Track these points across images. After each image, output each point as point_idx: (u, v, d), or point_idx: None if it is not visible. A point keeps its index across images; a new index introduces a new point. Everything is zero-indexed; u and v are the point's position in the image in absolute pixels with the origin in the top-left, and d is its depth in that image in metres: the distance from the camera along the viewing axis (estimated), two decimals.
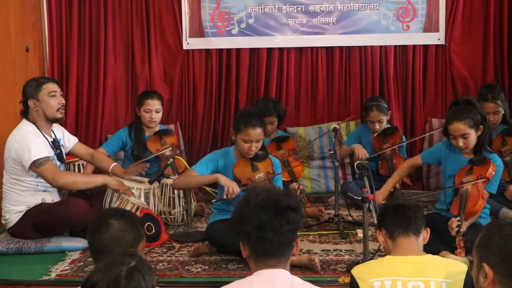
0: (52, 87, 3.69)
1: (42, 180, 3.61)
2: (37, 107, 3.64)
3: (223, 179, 3.37)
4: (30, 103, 3.64)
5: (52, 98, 3.67)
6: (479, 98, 4.25)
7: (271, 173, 3.52)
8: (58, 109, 3.69)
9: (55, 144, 3.75)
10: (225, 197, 3.33)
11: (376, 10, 4.98)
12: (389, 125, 4.62)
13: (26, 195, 3.63)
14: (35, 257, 3.47)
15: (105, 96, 5.07)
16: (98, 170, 4.17)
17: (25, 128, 3.63)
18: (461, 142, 3.36)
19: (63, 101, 3.76)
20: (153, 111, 4.44)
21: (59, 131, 3.87)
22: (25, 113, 3.69)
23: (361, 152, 4.45)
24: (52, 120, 3.72)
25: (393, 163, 4.41)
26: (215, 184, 3.70)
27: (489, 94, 4.21)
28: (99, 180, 3.72)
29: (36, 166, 3.53)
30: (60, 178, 3.57)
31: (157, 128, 4.55)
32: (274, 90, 5.06)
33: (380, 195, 3.50)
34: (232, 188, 3.31)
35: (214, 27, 5.03)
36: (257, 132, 3.40)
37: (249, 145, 3.40)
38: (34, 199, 3.63)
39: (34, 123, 3.66)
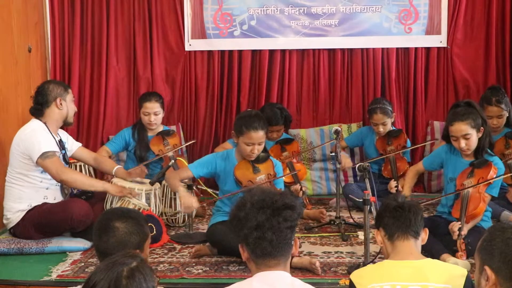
0: (72, 93, 3.90)
1: (46, 177, 3.66)
2: (63, 107, 3.77)
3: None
4: (58, 101, 3.74)
5: (73, 103, 3.88)
6: (483, 101, 4.24)
7: (272, 175, 3.52)
8: (74, 114, 3.90)
9: (61, 145, 3.81)
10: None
11: (378, 13, 4.98)
12: (393, 128, 4.62)
13: (29, 192, 3.65)
14: (36, 257, 3.48)
15: (107, 97, 5.07)
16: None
17: (35, 125, 3.71)
18: (463, 143, 3.35)
19: (76, 109, 3.99)
20: (152, 114, 4.44)
21: (64, 135, 3.93)
22: (39, 112, 3.74)
23: (346, 161, 4.44)
24: (66, 123, 3.87)
25: (396, 165, 4.41)
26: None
27: (493, 97, 4.19)
28: (99, 185, 3.77)
29: (43, 158, 3.58)
30: (63, 173, 3.63)
31: (160, 128, 4.56)
32: (276, 92, 5.06)
33: None
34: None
35: (216, 29, 5.04)
36: (259, 135, 3.39)
37: (251, 147, 3.40)
38: (37, 196, 3.65)
39: (45, 123, 3.73)
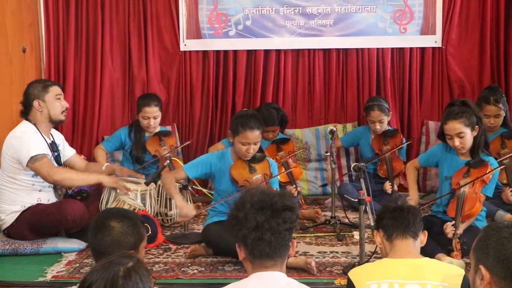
0: (58, 90, 3.74)
1: (38, 180, 3.61)
2: (42, 108, 3.66)
3: None
4: (35, 103, 3.65)
5: (58, 100, 3.72)
6: (481, 100, 4.26)
7: (268, 175, 3.52)
8: (62, 112, 3.74)
9: (53, 147, 3.75)
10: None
11: (373, 13, 4.98)
12: (389, 127, 4.62)
13: (22, 194, 3.62)
14: (30, 258, 3.46)
15: (102, 97, 5.06)
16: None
17: (25, 127, 3.65)
18: (457, 142, 3.37)
19: (67, 105, 3.82)
20: (151, 118, 4.44)
21: (59, 138, 3.88)
22: (26, 114, 3.69)
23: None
24: (56, 122, 3.76)
25: (392, 165, 4.41)
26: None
27: (491, 97, 4.21)
28: (93, 178, 3.71)
29: (32, 162, 3.53)
30: (55, 174, 3.57)
31: (157, 129, 4.54)
32: (271, 92, 5.06)
33: (413, 202, 3.50)
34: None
35: (211, 29, 5.03)
36: (255, 134, 3.39)
37: (247, 147, 3.40)
38: (30, 199, 3.63)
39: (35, 124, 3.67)
